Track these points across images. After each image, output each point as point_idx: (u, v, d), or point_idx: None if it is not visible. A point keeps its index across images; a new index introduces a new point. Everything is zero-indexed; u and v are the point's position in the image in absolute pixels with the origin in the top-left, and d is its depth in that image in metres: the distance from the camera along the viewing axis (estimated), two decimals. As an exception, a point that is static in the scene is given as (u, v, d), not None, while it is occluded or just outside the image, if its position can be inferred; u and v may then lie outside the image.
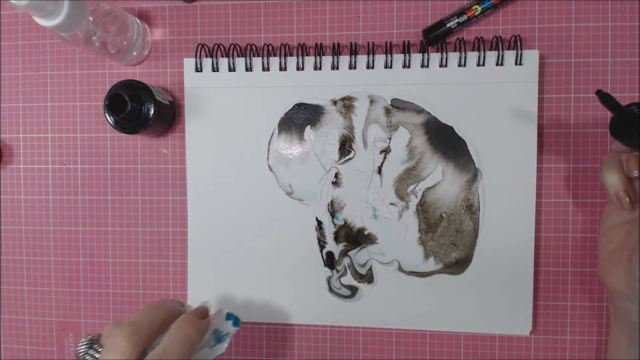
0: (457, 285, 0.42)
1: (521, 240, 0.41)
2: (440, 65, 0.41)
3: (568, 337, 0.42)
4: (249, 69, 0.43)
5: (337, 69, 0.42)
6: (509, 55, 0.40)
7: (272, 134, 0.43)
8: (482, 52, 0.40)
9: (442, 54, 0.41)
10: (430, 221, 0.42)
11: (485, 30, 0.42)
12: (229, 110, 0.43)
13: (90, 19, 0.37)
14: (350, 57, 0.42)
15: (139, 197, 0.45)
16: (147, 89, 0.41)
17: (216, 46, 0.43)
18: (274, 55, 0.43)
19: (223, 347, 0.35)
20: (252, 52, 0.43)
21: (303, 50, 0.42)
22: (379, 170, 0.42)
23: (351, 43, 0.42)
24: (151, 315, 0.33)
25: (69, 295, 0.47)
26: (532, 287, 0.41)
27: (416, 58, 0.41)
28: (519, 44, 0.40)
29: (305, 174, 0.43)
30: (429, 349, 0.43)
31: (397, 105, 0.42)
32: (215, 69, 0.43)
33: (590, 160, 0.41)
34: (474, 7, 0.40)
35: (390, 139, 0.42)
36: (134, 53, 0.43)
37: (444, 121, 0.41)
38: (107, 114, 0.41)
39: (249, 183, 0.43)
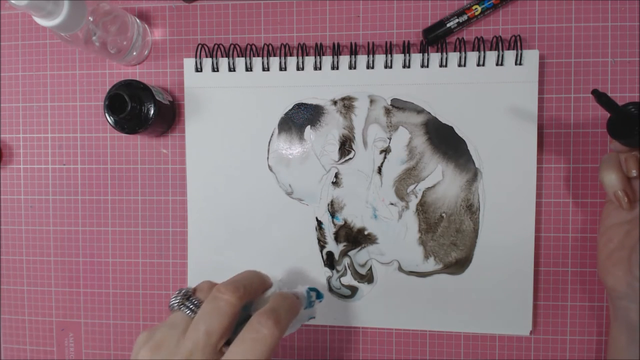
0: (457, 285, 0.42)
1: (521, 240, 0.41)
2: (440, 65, 0.41)
3: (568, 337, 0.42)
4: (249, 69, 0.43)
5: (337, 69, 0.42)
6: (509, 55, 0.40)
7: (272, 134, 0.43)
8: (482, 52, 0.40)
9: (442, 54, 0.41)
10: (430, 221, 0.42)
11: (485, 30, 0.42)
12: (229, 110, 0.43)
13: (90, 19, 0.37)
14: (350, 57, 0.42)
15: (139, 197, 0.45)
16: (147, 89, 0.41)
17: (216, 46, 0.43)
18: (274, 55, 0.43)
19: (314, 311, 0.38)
20: (252, 52, 0.43)
21: (303, 50, 0.42)
22: (379, 170, 0.42)
23: (351, 43, 0.42)
24: (249, 278, 0.34)
25: (69, 295, 0.47)
26: (532, 287, 0.41)
27: (416, 58, 0.41)
28: (519, 44, 0.40)
29: (305, 174, 0.43)
30: (429, 349, 0.43)
31: (397, 105, 0.42)
32: (215, 69, 0.43)
33: (590, 160, 0.41)
34: (474, 7, 0.40)
35: (390, 139, 0.42)
36: (134, 53, 0.43)
37: (444, 121, 0.41)
38: (107, 114, 0.41)
39: (249, 183, 0.43)
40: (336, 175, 0.43)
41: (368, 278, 0.43)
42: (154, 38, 0.45)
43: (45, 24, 0.34)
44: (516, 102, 0.40)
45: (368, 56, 0.41)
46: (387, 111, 0.42)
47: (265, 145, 0.43)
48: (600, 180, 0.35)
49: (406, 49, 0.41)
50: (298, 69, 0.42)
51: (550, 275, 0.42)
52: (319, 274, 0.43)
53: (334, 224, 0.43)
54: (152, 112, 0.41)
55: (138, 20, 0.43)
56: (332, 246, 0.43)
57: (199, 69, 0.43)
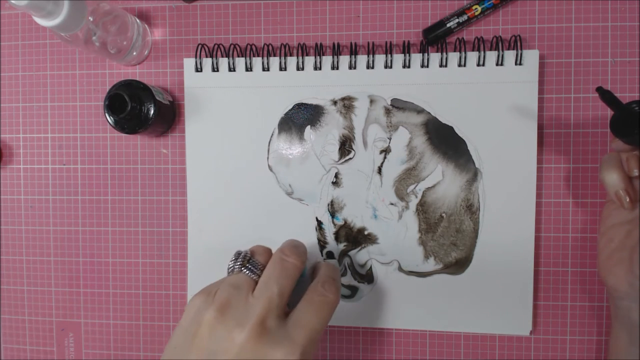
0: (457, 285, 0.42)
1: (521, 240, 0.41)
2: (440, 65, 0.41)
3: (568, 337, 0.42)
4: (249, 69, 0.43)
5: (337, 69, 0.42)
6: (509, 55, 0.40)
7: (272, 134, 0.43)
8: (482, 52, 0.40)
9: (442, 54, 0.41)
10: (430, 221, 0.42)
11: (485, 30, 0.42)
12: (229, 110, 0.43)
13: (90, 19, 0.37)
14: (350, 57, 0.42)
15: (139, 197, 0.45)
16: (147, 89, 0.41)
17: (216, 46, 0.43)
18: (274, 55, 0.43)
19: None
20: (252, 52, 0.43)
21: (303, 50, 0.42)
22: (379, 170, 0.42)
23: (351, 43, 0.42)
24: (302, 245, 0.36)
25: (69, 295, 0.47)
26: (532, 287, 0.41)
27: (416, 58, 0.41)
28: (519, 44, 0.40)
29: (305, 174, 0.43)
30: (429, 349, 0.43)
31: (397, 105, 0.42)
32: (215, 69, 0.43)
33: (590, 160, 0.41)
34: (474, 7, 0.40)
35: (390, 139, 0.42)
36: (134, 53, 0.43)
37: (444, 121, 0.41)
38: (107, 114, 0.41)
39: (249, 183, 0.43)
40: (336, 175, 0.43)
41: (368, 278, 0.43)
42: (154, 38, 0.45)
43: (45, 24, 0.34)
44: (516, 102, 0.40)
45: (368, 56, 0.41)
46: (387, 111, 0.42)
47: (265, 145, 0.43)
48: (601, 179, 0.35)
49: (406, 49, 0.41)
50: (298, 69, 0.42)
51: (550, 275, 0.42)
52: (319, 274, 0.43)
53: (334, 224, 0.43)
54: (152, 112, 0.41)
55: (138, 20, 0.43)
56: (333, 246, 0.43)
57: (199, 69, 0.43)
